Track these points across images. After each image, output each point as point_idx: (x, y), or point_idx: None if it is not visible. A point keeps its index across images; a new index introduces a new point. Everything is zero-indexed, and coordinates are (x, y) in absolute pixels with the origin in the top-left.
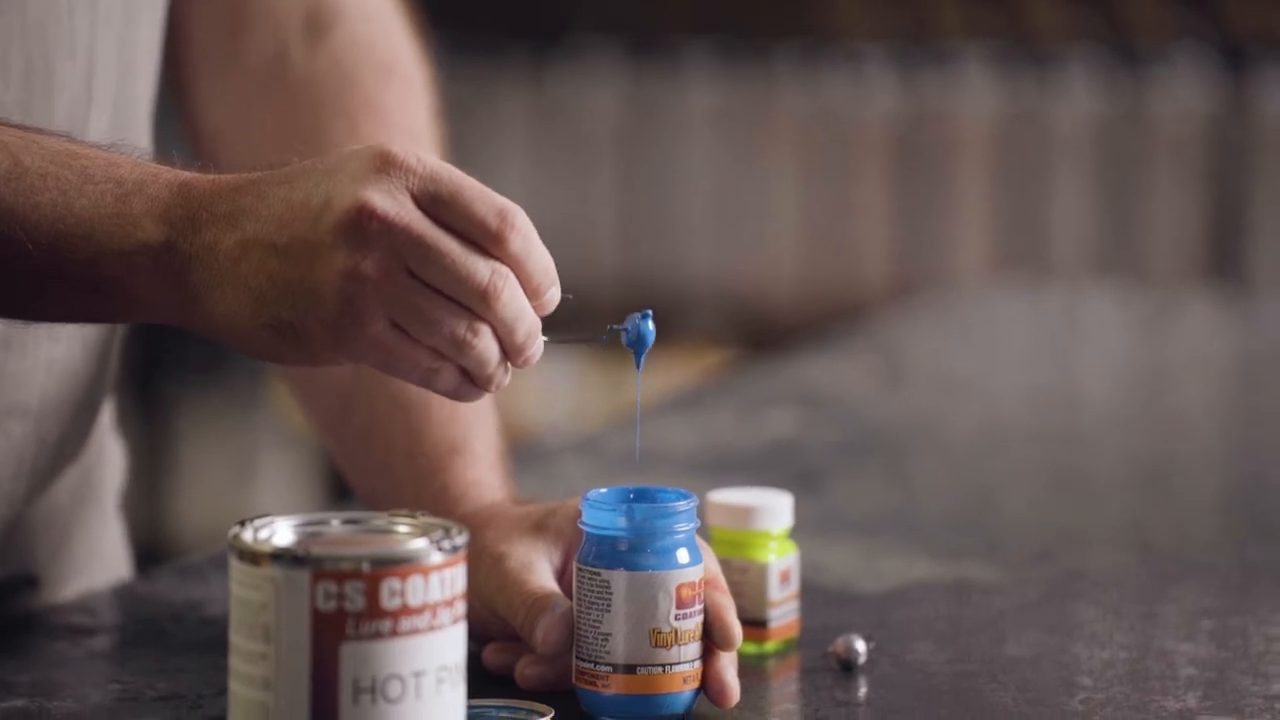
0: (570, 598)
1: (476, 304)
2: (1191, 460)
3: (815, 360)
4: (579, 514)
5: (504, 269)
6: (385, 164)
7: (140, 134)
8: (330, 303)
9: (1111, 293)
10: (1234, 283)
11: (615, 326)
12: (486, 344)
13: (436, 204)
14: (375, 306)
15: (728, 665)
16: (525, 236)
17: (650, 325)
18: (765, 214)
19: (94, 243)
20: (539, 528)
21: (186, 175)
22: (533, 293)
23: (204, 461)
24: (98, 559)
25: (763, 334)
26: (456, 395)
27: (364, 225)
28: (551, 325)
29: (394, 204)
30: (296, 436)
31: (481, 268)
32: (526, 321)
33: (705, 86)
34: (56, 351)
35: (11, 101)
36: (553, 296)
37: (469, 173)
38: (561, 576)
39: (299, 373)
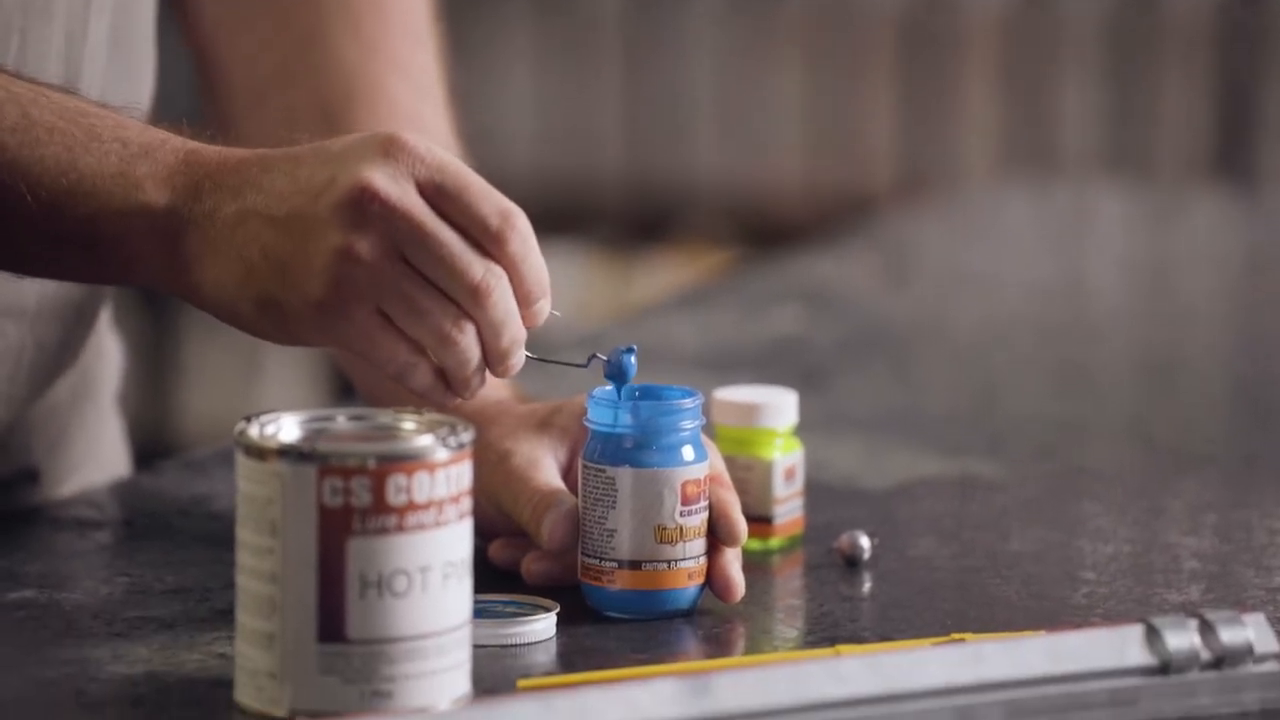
0: (576, 495)
1: (466, 300)
2: (1197, 355)
3: (821, 258)
4: (584, 411)
5: (498, 269)
6: (394, 149)
7: (142, 36)
8: (319, 281)
9: (1119, 188)
10: (1242, 178)
11: (599, 356)
12: (469, 343)
13: (440, 195)
14: (364, 289)
15: (732, 561)
16: (525, 240)
17: (633, 360)
18: (770, 112)
19: (95, 201)
20: (544, 425)
21: (194, 145)
22: (523, 300)
23: (209, 358)
24: (96, 455)
25: (768, 233)
26: (429, 395)
27: (364, 205)
28: (535, 344)
29: (397, 188)
30: None
31: (476, 264)
32: (512, 328)
33: None
34: None
35: (11, 2)
36: (542, 308)
37: (471, 73)
38: (567, 474)
39: None
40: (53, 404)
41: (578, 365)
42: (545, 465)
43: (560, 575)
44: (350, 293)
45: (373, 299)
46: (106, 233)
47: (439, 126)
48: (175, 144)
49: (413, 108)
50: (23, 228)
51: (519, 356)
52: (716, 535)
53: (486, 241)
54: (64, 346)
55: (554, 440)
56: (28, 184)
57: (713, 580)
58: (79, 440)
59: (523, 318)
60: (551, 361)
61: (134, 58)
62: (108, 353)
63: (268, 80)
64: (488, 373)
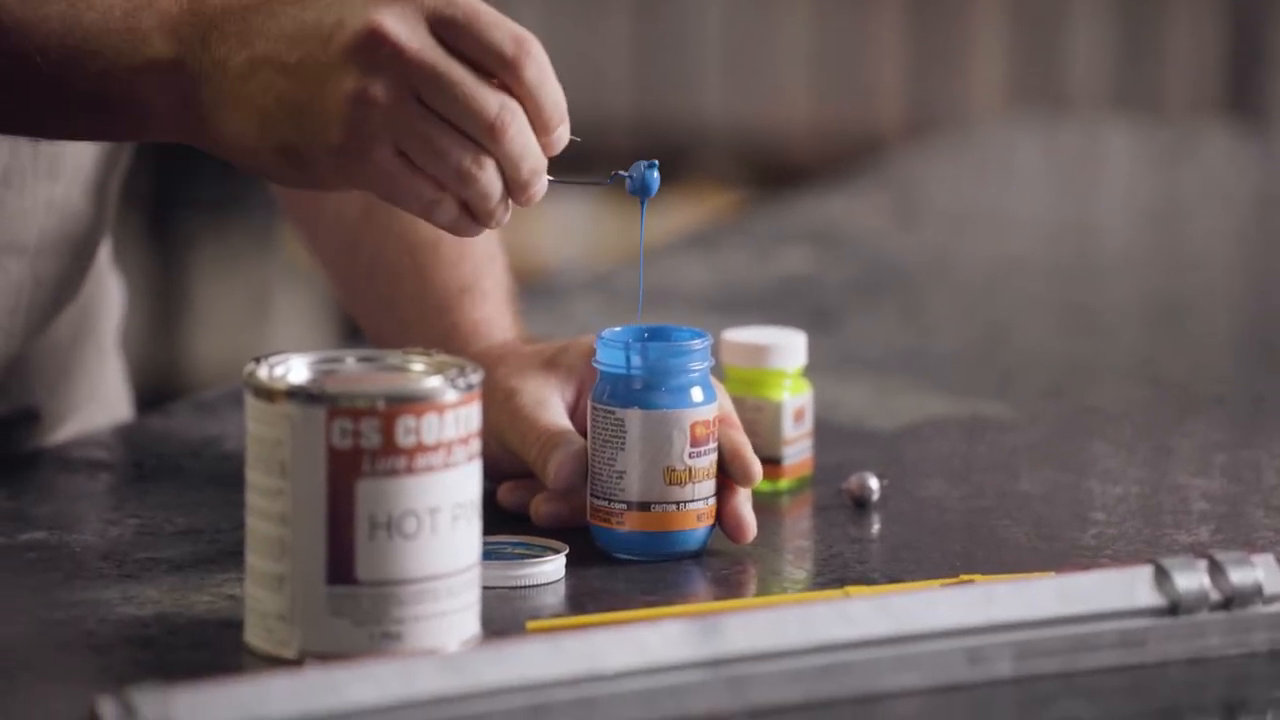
0: (583, 434)
1: (483, 136)
2: (1205, 294)
3: (830, 198)
4: (591, 351)
5: (513, 104)
6: None
7: None
8: (336, 125)
9: (1129, 126)
10: (1252, 116)
11: (620, 173)
12: (490, 177)
13: (451, 29)
14: (381, 132)
15: (744, 501)
16: (540, 66)
17: (655, 175)
18: (779, 51)
19: (102, 58)
20: (551, 365)
21: None
22: (542, 128)
23: (218, 299)
24: (97, 396)
25: (777, 173)
26: (456, 229)
27: (375, 48)
28: (557, 168)
29: (406, 28)
30: (311, 274)
31: (491, 100)
32: (531, 159)
33: None
34: (55, 191)
35: None
36: (561, 135)
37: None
38: (574, 413)
39: (305, 211)
40: (54, 342)
41: (599, 183)
42: (552, 404)
43: (569, 517)
44: (368, 136)
45: (390, 141)
46: (117, 89)
47: None
48: None
49: None
50: (35, 90)
51: (540, 185)
52: (730, 476)
53: (501, 70)
54: (64, 283)
55: (560, 380)
56: (35, 45)
57: (724, 520)
58: (80, 380)
59: (542, 146)
60: (573, 183)
61: None
62: (109, 291)
63: None
64: (505, 311)
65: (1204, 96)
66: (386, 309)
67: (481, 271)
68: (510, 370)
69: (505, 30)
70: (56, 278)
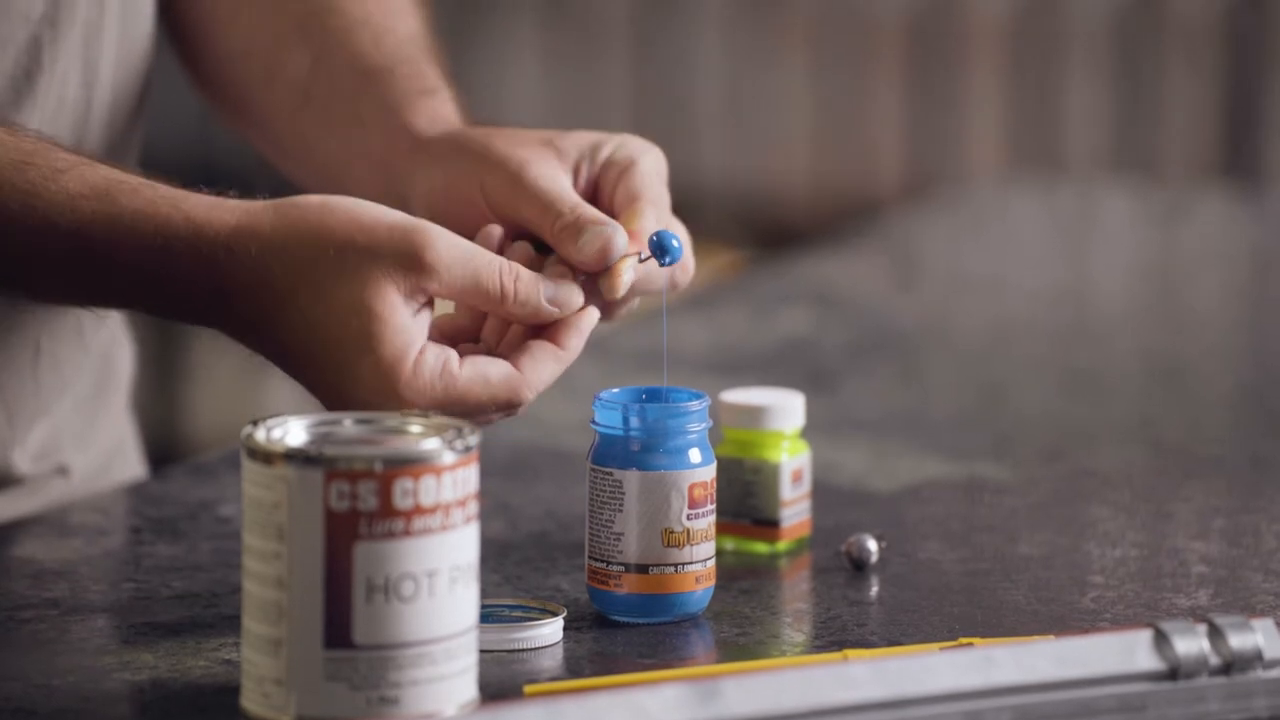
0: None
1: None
2: (1204, 357)
3: (828, 259)
4: (589, 142)
5: (523, 377)
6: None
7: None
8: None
9: (1126, 188)
10: (1249, 179)
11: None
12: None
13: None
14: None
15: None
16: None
17: (675, 243)
18: (778, 112)
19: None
20: (549, 144)
21: (216, 286)
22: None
23: (217, 362)
24: (120, 452)
25: (776, 234)
26: None
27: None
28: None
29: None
30: None
31: (501, 396)
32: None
33: None
34: None
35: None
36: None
37: (479, 74)
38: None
39: (249, 90)
40: (78, 398)
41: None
42: (566, 181)
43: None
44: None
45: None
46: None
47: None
48: (199, 295)
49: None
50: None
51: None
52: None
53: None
54: (79, 335)
55: (561, 160)
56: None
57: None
58: (106, 436)
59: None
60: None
61: (135, 29)
62: (123, 346)
63: None
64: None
65: (1200, 159)
66: (346, 126)
67: (444, 84)
68: (510, 141)
69: (495, 404)
70: (72, 330)
